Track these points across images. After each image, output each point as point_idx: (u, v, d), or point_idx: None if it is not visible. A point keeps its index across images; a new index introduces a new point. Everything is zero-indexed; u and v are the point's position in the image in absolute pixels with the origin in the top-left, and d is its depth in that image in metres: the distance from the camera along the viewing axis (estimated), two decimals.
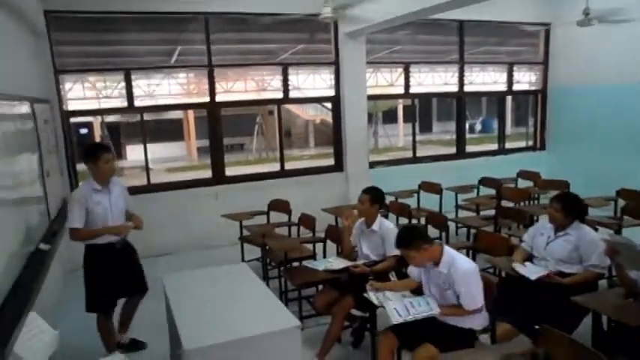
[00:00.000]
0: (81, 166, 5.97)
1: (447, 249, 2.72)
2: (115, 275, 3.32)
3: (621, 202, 5.03)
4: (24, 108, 3.54)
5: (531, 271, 3.17)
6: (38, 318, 2.38)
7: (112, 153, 3.32)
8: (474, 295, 2.57)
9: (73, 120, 5.86)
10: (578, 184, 5.54)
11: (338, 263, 3.55)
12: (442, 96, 9.91)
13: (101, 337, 3.38)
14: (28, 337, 2.18)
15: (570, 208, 3.25)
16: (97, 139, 15.71)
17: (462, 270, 2.58)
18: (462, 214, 5.82)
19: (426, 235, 2.75)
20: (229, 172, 6.64)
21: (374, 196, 3.51)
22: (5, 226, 2.61)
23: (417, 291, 2.93)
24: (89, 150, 3.27)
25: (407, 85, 7.34)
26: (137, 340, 3.68)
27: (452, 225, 4.95)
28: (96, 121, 16.27)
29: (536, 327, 2.28)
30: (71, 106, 5.68)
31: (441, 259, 2.66)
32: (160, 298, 3.19)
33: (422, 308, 2.64)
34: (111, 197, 3.28)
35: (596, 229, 3.59)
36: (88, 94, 5.81)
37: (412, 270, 2.96)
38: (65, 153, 5.49)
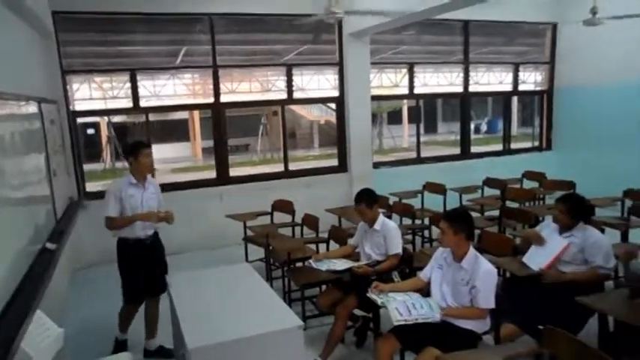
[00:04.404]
0: (87, 167, 6.07)
1: (472, 248, 2.78)
2: (144, 270, 3.42)
3: (628, 203, 4.98)
4: (31, 108, 3.57)
5: (535, 262, 3.21)
6: (44, 316, 2.40)
7: (151, 148, 3.48)
8: (490, 295, 2.62)
9: (79, 120, 5.91)
10: (584, 184, 5.51)
11: (341, 264, 3.54)
12: (447, 96, 9.87)
13: (120, 320, 3.56)
14: (34, 335, 2.20)
15: (576, 210, 3.23)
16: (104, 139, 15.81)
17: (486, 268, 2.67)
18: None
19: (472, 227, 2.80)
20: (234, 172, 6.67)
21: (368, 199, 3.52)
22: (12, 225, 2.63)
23: (424, 291, 2.93)
24: (131, 145, 3.45)
25: (411, 86, 7.34)
26: (164, 347, 3.54)
27: None
28: (102, 121, 16.37)
29: (541, 327, 2.27)
30: (78, 106, 5.72)
31: (466, 256, 2.73)
32: (164, 297, 3.21)
33: (424, 311, 2.66)
34: (144, 193, 3.43)
35: (602, 230, 3.56)
36: (95, 95, 5.85)
37: (426, 269, 2.98)
38: (72, 153, 5.53)
